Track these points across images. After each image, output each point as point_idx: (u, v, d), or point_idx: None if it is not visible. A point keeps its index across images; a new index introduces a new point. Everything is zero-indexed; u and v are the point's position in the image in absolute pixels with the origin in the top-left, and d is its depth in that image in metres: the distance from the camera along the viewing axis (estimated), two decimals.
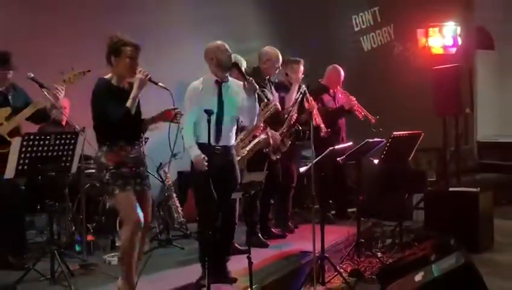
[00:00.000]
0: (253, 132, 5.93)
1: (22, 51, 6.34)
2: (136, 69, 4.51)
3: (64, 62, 6.45)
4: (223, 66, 5.03)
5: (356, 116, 7.43)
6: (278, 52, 6.48)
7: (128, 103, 4.43)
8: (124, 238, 4.51)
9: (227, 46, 5.08)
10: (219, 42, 5.13)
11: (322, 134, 6.85)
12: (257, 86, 4.99)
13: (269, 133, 6.03)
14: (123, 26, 7.26)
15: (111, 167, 4.45)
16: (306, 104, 6.49)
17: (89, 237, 6.01)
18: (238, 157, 5.60)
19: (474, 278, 4.17)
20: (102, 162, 4.49)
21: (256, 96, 5.01)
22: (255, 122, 5.44)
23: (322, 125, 6.94)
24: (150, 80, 4.51)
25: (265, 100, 5.88)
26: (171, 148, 4.77)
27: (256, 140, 5.95)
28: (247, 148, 5.86)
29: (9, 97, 5.59)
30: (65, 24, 7.16)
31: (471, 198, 6.84)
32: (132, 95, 4.45)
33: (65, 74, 5.50)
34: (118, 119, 4.41)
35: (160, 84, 4.58)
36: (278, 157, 6.41)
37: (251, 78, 4.99)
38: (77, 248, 5.97)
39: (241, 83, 5.03)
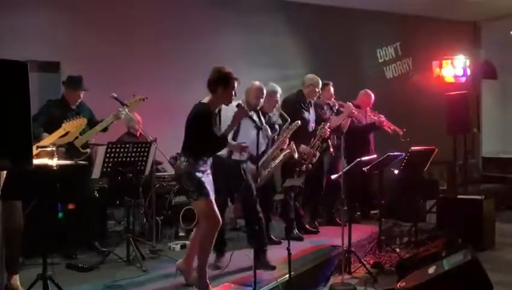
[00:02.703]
0: (279, 147, 5.82)
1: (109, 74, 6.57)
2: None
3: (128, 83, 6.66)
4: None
5: (385, 131, 7.41)
6: (319, 79, 6.48)
7: (227, 132, 4.33)
8: (207, 235, 4.35)
9: (260, 93, 5.11)
10: (258, 88, 5.15)
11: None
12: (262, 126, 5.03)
13: (293, 148, 5.88)
14: (178, 53, 7.48)
15: (198, 177, 4.26)
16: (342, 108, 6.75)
17: None
18: (268, 169, 5.66)
19: (479, 272, 4.11)
20: (190, 172, 4.25)
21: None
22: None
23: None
24: (247, 116, 4.42)
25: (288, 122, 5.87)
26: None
27: (283, 153, 5.85)
28: (277, 161, 5.77)
29: (80, 114, 5.62)
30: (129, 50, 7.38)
31: (476, 204, 6.70)
32: (231, 125, 4.33)
33: (127, 99, 5.55)
34: (216, 144, 4.29)
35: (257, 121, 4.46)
36: (309, 168, 6.32)
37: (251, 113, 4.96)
38: None
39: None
